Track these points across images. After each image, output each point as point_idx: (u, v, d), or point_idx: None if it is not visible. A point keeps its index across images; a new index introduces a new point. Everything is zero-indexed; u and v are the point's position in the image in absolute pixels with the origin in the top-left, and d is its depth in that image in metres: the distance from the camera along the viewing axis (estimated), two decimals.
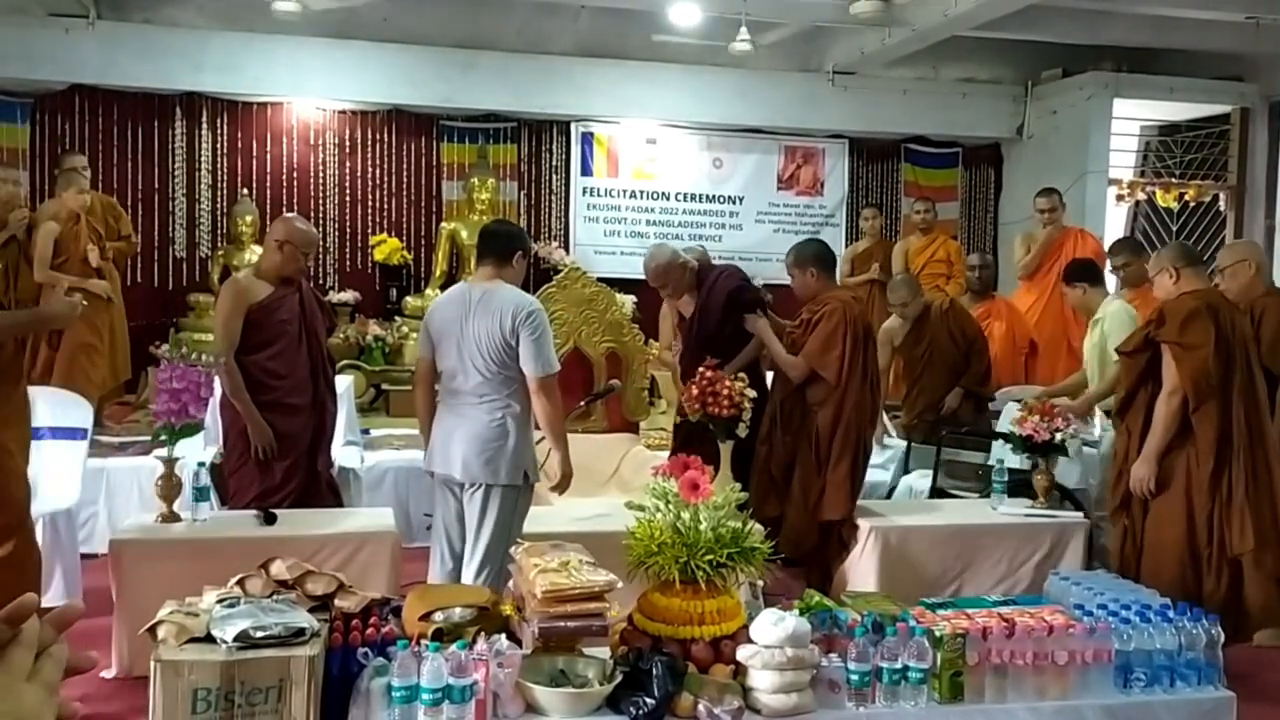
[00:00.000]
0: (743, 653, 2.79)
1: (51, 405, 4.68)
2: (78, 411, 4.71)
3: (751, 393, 4.25)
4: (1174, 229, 9.33)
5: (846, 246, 8.95)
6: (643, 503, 3.07)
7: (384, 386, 7.40)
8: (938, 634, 2.88)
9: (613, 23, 8.40)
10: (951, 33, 7.73)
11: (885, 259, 7.99)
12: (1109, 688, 2.96)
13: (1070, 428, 4.36)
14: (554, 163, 8.98)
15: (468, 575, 3.70)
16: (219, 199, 8.35)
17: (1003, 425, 5.14)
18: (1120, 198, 9.01)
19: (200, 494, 3.79)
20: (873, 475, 5.68)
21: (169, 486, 3.77)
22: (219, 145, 8.33)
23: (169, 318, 7.78)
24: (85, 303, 3.33)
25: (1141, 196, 9.14)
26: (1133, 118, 9.16)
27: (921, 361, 5.72)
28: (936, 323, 5.58)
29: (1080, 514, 4.52)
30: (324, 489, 4.43)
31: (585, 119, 8.88)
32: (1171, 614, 3.08)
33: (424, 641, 2.63)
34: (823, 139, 9.38)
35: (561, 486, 3.92)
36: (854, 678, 2.80)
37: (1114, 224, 9.03)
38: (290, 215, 5.30)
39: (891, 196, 9.62)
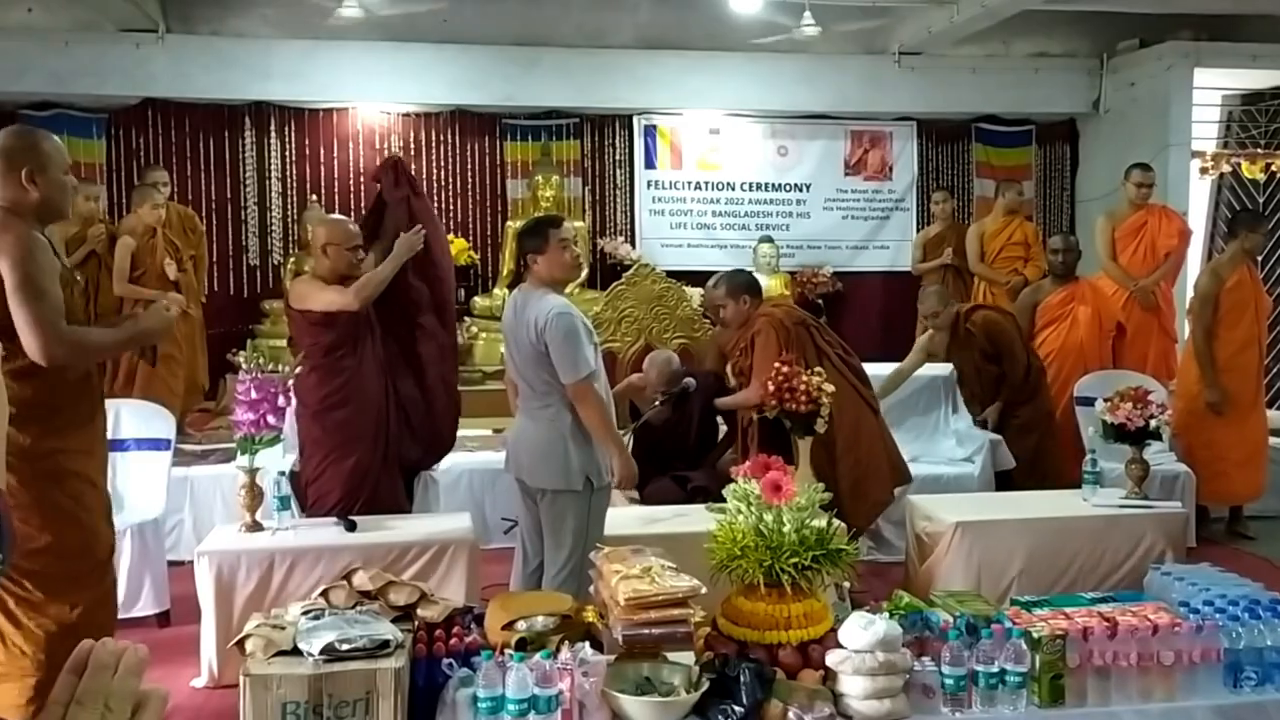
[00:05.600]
0: (832, 658, 2.73)
1: (135, 417, 4.77)
2: (161, 422, 4.79)
3: (830, 387, 4.17)
4: (1260, 201, 8.98)
5: (918, 231, 8.78)
6: (723, 505, 3.02)
7: None
8: (1035, 635, 2.78)
9: (673, 13, 8.33)
10: (1022, 7, 7.49)
11: (958, 243, 7.80)
12: (1218, 688, 2.85)
13: (1165, 414, 4.20)
14: (617, 157, 8.92)
15: (548, 581, 3.69)
16: (289, 206, 8.45)
17: (1091, 413, 4.96)
18: (1204, 170, 8.68)
19: (282, 503, 3.83)
20: (958, 469, 5.55)
21: (251, 497, 3.81)
22: (288, 153, 8.43)
23: (245, 324, 7.90)
24: (176, 308, 3.33)
25: (1226, 169, 8.80)
26: (1214, 87, 8.80)
27: (959, 369, 5.70)
28: (962, 338, 5.58)
29: (1179, 504, 4.35)
30: (402, 488, 4.44)
31: (647, 111, 8.81)
32: None
33: (508, 651, 2.61)
34: (890, 122, 9.19)
35: (623, 484, 3.86)
36: (949, 682, 2.72)
37: (1198, 198, 8.71)
38: (326, 217, 5.27)
39: (963, 178, 9.40)
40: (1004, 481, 5.48)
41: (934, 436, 5.73)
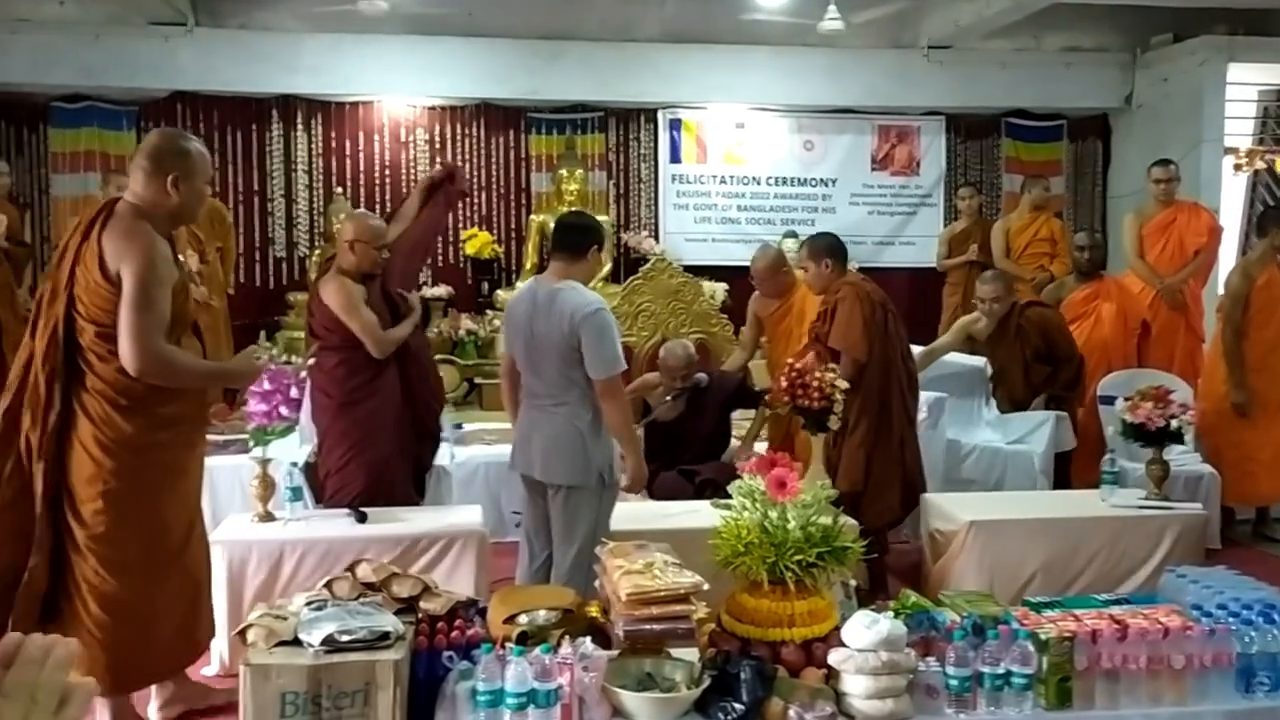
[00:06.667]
0: (834, 657, 2.70)
1: None
2: None
3: (843, 384, 4.13)
4: None
5: (945, 227, 8.70)
6: (729, 501, 3.00)
7: (477, 380, 7.45)
8: (1043, 637, 2.74)
9: (698, 6, 8.29)
10: (1052, 0, 7.41)
11: (984, 239, 7.72)
12: (1230, 693, 2.79)
13: (1187, 414, 4.13)
14: (642, 151, 8.91)
15: (556, 577, 3.67)
16: (315, 198, 8.51)
17: (1113, 411, 4.90)
18: (1238, 167, 8.54)
19: (294, 494, 3.85)
20: (1015, 448, 5.32)
21: (264, 487, 3.83)
22: (314, 146, 8.49)
23: (271, 316, 7.96)
24: (266, 356, 3.43)
25: (1261, 165, 8.65)
26: (1249, 83, 8.66)
27: (1000, 361, 5.55)
28: (1014, 331, 5.44)
29: (1199, 505, 4.28)
30: (417, 482, 4.46)
31: (673, 105, 8.79)
32: None
33: (508, 645, 2.60)
34: (918, 116, 9.11)
35: (634, 487, 3.84)
36: (953, 683, 2.68)
37: (1231, 195, 8.57)
38: (356, 212, 5.30)
39: (992, 173, 9.30)
40: (1062, 463, 5.34)
41: (967, 428, 5.53)
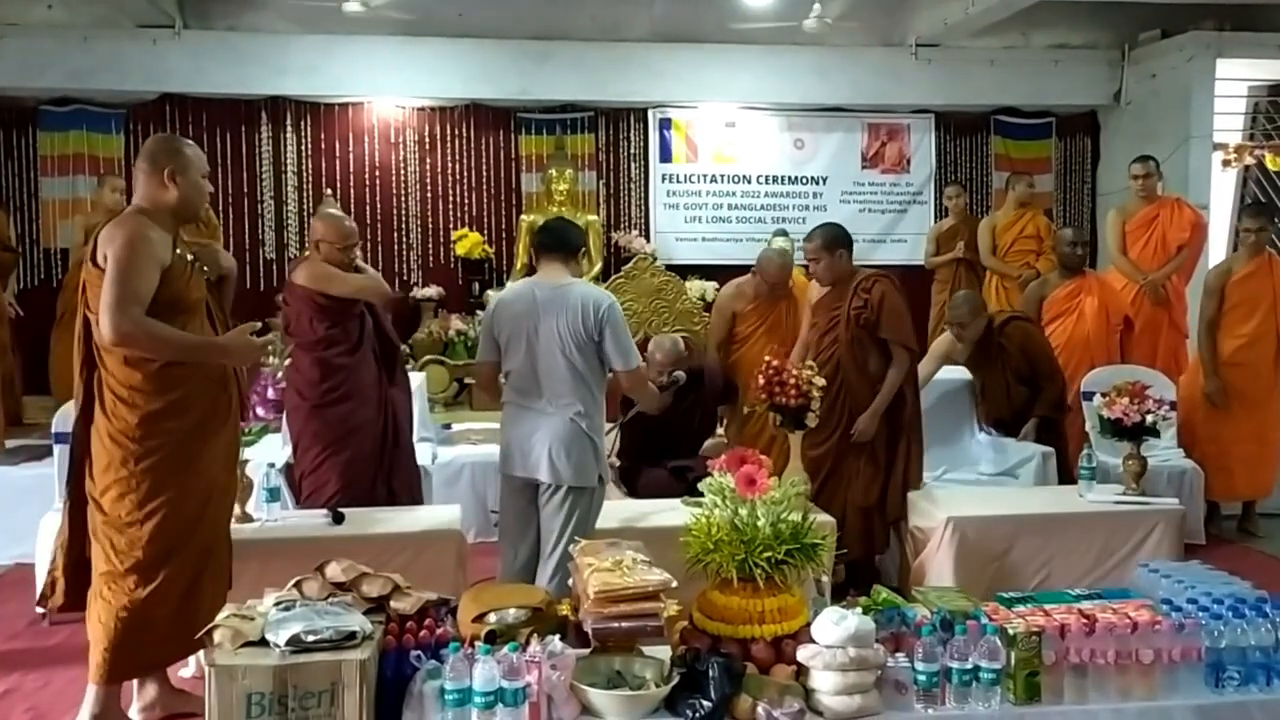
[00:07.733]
0: (803, 653, 2.70)
1: None
2: None
3: (820, 381, 4.13)
4: None
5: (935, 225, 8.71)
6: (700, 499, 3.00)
7: (467, 381, 7.45)
8: (1011, 632, 2.74)
9: (687, 6, 8.30)
10: None
11: (971, 237, 7.73)
12: (1199, 687, 2.79)
13: (1162, 409, 4.13)
14: (632, 150, 8.92)
15: (543, 577, 3.66)
16: (305, 200, 8.52)
17: (1092, 407, 4.89)
18: (1227, 162, 8.54)
19: (271, 495, 3.85)
20: (1000, 482, 5.12)
21: (240, 488, 3.82)
22: (303, 147, 8.49)
23: (261, 318, 7.92)
24: (271, 347, 3.48)
25: (1250, 161, 8.65)
26: (1239, 78, 8.67)
27: (981, 380, 5.44)
28: (994, 350, 5.31)
29: (1175, 500, 4.28)
30: (399, 485, 4.45)
31: (662, 105, 8.80)
32: (1268, 608, 2.89)
33: (477, 643, 2.61)
34: (907, 114, 9.11)
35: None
36: (921, 678, 2.68)
37: (1221, 190, 8.57)
38: (325, 213, 5.30)
39: (982, 171, 9.31)
40: None
41: (958, 453, 5.36)
